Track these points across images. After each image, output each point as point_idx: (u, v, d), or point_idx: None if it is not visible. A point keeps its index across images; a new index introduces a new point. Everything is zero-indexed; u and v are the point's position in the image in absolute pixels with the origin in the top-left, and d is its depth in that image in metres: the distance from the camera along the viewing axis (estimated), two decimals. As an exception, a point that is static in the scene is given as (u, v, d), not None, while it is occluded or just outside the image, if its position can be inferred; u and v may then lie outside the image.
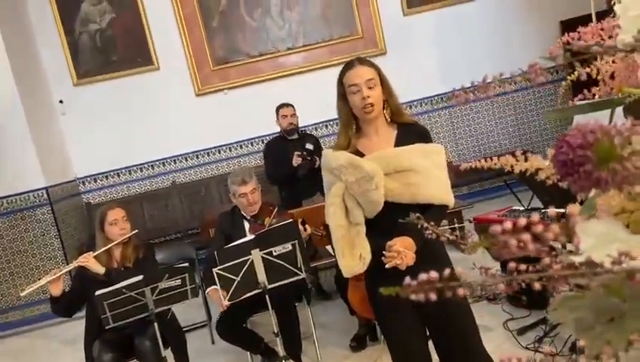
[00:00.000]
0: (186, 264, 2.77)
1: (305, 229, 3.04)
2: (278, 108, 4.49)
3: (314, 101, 5.88)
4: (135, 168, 5.89)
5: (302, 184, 4.22)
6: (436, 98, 6.24)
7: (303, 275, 2.74)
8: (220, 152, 5.99)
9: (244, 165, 5.90)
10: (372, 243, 1.84)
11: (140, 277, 2.59)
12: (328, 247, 3.69)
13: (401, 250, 1.72)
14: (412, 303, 1.80)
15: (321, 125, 6.06)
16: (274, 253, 2.66)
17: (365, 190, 1.80)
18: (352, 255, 1.84)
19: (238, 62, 5.91)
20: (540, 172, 0.60)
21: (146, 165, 5.90)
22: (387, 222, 1.80)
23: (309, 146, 4.28)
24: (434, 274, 0.36)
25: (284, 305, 2.97)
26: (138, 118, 5.80)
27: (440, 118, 6.27)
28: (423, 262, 1.77)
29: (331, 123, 6.03)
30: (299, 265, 2.70)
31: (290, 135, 4.41)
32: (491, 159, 0.63)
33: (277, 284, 2.68)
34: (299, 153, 4.16)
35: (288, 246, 2.67)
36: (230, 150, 6.00)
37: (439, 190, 1.84)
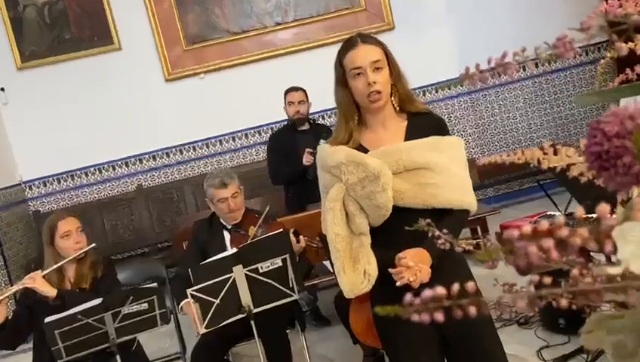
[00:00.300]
0: (155, 284, 2.76)
1: (298, 241, 3.04)
2: (285, 93, 4.49)
3: (308, 85, 5.87)
4: (92, 169, 5.88)
5: (313, 184, 4.21)
6: (455, 82, 6.22)
7: (295, 296, 2.73)
8: (195, 149, 5.99)
9: (223, 165, 5.90)
10: (378, 256, 1.84)
11: (99, 301, 2.58)
12: (326, 263, 3.69)
13: (412, 265, 1.72)
14: (427, 328, 1.84)
15: (316, 115, 6.07)
16: (260, 270, 2.66)
17: (370, 192, 1.80)
18: (355, 271, 1.84)
19: (216, 40, 5.91)
20: (572, 168, 0.60)
21: (105, 165, 5.89)
22: (397, 231, 1.79)
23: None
24: (442, 290, 0.36)
25: (274, 332, 2.97)
26: (96, 109, 5.80)
27: (460, 106, 6.28)
28: (440, 279, 1.76)
29: (329, 113, 6.04)
30: (291, 285, 2.70)
31: (299, 125, 4.39)
32: (514, 153, 0.63)
33: (264, 307, 2.68)
34: (310, 150, 4.11)
35: (278, 262, 2.66)
36: (207, 147, 6.00)
37: (459, 192, 1.84)
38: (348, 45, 1.89)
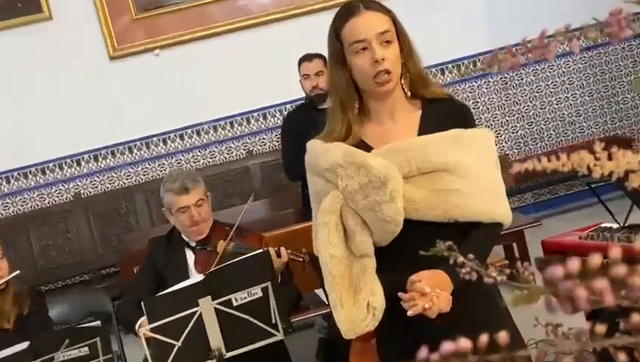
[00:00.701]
0: (98, 323, 2.76)
1: (279, 255, 3.04)
2: (298, 63, 4.57)
3: (293, 65, 5.88)
4: (17, 174, 5.86)
5: None
6: (481, 59, 6.27)
7: (279, 336, 2.73)
8: (148, 147, 5.98)
9: (185, 166, 5.89)
10: (386, 281, 1.84)
11: (25, 345, 2.57)
12: (319, 291, 3.69)
13: (428, 291, 1.71)
14: None
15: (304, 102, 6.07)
16: (234, 303, 2.66)
17: (374, 202, 1.79)
18: (356, 303, 1.84)
19: (174, 6, 5.89)
20: (632, 176, 0.61)
21: (33, 169, 5.87)
22: (409, 250, 1.79)
23: None
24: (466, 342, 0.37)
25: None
26: (19, 96, 5.77)
27: (488, 88, 6.31)
28: (464, 310, 1.78)
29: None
30: (273, 321, 2.69)
31: (319, 103, 4.42)
32: (557, 156, 0.64)
33: (240, 351, 2.67)
34: None
35: (257, 292, 2.67)
36: (165, 143, 5.99)
37: (488, 200, 1.85)
38: (346, 12, 1.89)
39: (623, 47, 6.40)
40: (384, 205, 1.78)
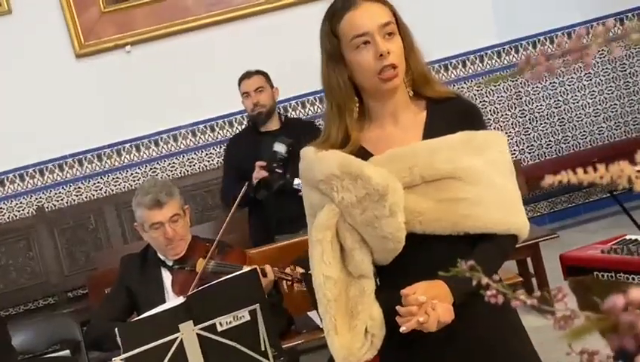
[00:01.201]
0: (67, 352, 2.74)
1: (264, 274, 3.04)
2: (238, 82, 4.64)
3: (281, 61, 5.89)
4: (-28, 186, 5.84)
5: (281, 208, 4.24)
6: (489, 53, 6.31)
7: (270, 365, 2.73)
8: (119, 154, 5.97)
9: (160, 175, 5.88)
10: (384, 299, 1.83)
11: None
12: (312, 314, 3.69)
13: (423, 300, 1.68)
14: None
15: (293, 103, 6.08)
16: (219, 328, 2.65)
17: (373, 218, 1.79)
18: (352, 329, 1.83)
19: (147, -3, 5.90)
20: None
21: (-10, 180, 5.85)
22: (414, 270, 1.80)
23: (280, 148, 4.26)
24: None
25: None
26: (-25, 99, 5.76)
27: (496, 86, 6.33)
28: (469, 325, 1.80)
29: (311, 99, 6.06)
30: (263, 347, 2.69)
31: (262, 124, 4.51)
32: (595, 167, 0.64)
33: (225, 382, 2.67)
34: (262, 163, 4.22)
35: (244, 316, 2.66)
36: (138, 150, 5.98)
37: (503, 209, 1.84)
38: (343, 5, 1.89)
39: (645, 40, 6.43)
40: (383, 220, 1.78)
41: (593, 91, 6.44)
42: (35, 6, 5.75)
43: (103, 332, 3.00)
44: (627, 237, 3.23)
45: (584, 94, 6.43)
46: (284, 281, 3.19)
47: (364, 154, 1.89)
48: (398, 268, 1.84)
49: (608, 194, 4.49)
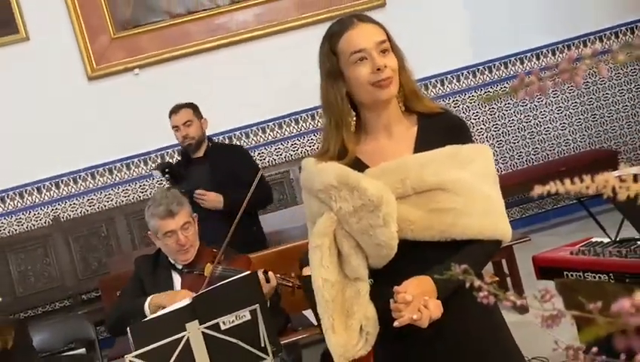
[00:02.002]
0: (83, 350, 2.72)
1: (267, 280, 3.03)
2: (169, 115, 4.58)
3: (275, 82, 5.90)
4: (-7, 198, 5.81)
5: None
6: (465, 73, 6.32)
7: (269, 359, 2.71)
8: (129, 168, 5.95)
9: (167, 187, 5.86)
10: (380, 307, 1.81)
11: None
12: (307, 312, 3.68)
13: (410, 299, 1.67)
14: None
15: (288, 119, 6.08)
16: (222, 327, 2.63)
17: (368, 226, 1.78)
18: (348, 328, 1.82)
19: (153, 25, 5.91)
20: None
21: (10, 193, 5.82)
22: (405, 271, 1.79)
23: (156, 174, 4.38)
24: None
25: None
26: (-4, 118, 5.74)
27: (472, 103, 6.34)
28: (457, 320, 1.79)
29: (303, 116, 6.05)
30: (262, 344, 2.68)
31: (193, 152, 4.49)
32: (581, 179, 0.63)
33: (228, 376, 2.66)
34: (201, 192, 4.26)
35: (245, 315, 2.64)
36: (146, 164, 5.96)
37: (487, 217, 1.83)
38: (342, 27, 1.89)
39: (605, 61, 6.46)
40: (378, 229, 1.77)
41: (560, 107, 6.47)
42: (50, 33, 5.75)
43: (121, 314, 3.02)
44: (594, 239, 3.22)
45: (552, 110, 6.45)
46: (286, 287, 3.18)
47: (359, 165, 1.87)
48: (391, 272, 1.82)
49: (576, 201, 4.48)
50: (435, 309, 1.70)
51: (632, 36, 6.46)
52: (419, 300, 1.68)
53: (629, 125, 6.55)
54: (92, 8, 5.80)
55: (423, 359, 1.86)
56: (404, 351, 1.85)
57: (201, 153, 4.49)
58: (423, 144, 1.88)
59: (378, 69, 1.82)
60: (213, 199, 4.26)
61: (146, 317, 2.95)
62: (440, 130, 1.90)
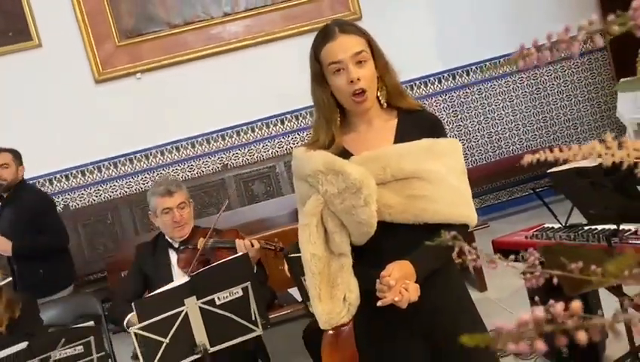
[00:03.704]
0: (92, 323, 2.70)
1: (252, 245, 3.02)
2: None
3: (262, 87, 5.88)
4: (9, 188, 5.73)
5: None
6: (432, 79, 6.34)
7: (259, 331, 2.70)
8: (131, 162, 5.90)
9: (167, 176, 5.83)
10: (362, 280, 1.83)
11: (25, 345, 2.50)
12: (292, 290, 3.66)
13: (393, 284, 1.69)
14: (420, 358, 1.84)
15: (274, 120, 6.06)
16: (217, 302, 2.62)
17: (351, 206, 1.78)
18: (333, 298, 1.83)
19: (154, 34, 5.87)
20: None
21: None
22: (384, 249, 1.81)
23: None
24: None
25: (234, 374, 2.93)
26: (11, 117, 5.67)
27: (438, 106, 6.36)
28: (432, 300, 1.81)
29: (288, 116, 6.03)
30: (253, 317, 2.67)
31: (2, 193, 4.30)
32: (569, 147, 0.62)
33: (223, 346, 2.64)
34: None
35: (238, 291, 2.63)
36: (147, 159, 5.92)
37: (457, 205, 1.84)
38: (324, 36, 1.88)
39: (556, 69, 6.52)
40: (359, 209, 1.78)
41: (514, 110, 6.50)
42: (61, 40, 5.70)
43: (121, 315, 2.99)
44: (546, 225, 3.24)
45: (507, 113, 6.48)
46: (269, 250, 3.14)
47: (345, 154, 1.88)
48: (371, 249, 1.84)
49: (529, 192, 4.51)
50: (413, 292, 1.72)
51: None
52: (400, 283, 1.70)
53: (574, 126, 6.60)
54: (99, 18, 5.76)
55: (401, 329, 1.87)
56: (383, 322, 1.86)
57: (9, 195, 4.29)
58: (401, 136, 1.89)
59: (352, 81, 1.82)
60: (1, 244, 4.11)
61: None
62: (417, 124, 1.91)
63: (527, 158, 0.63)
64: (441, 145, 1.88)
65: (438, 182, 1.82)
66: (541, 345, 0.36)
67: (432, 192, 1.81)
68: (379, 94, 1.90)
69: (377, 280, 1.72)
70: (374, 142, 1.89)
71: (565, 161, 0.74)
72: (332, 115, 1.90)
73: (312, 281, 1.85)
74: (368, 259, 1.83)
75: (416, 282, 1.74)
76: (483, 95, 6.45)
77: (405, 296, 1.70)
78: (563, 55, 0.50)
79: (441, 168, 1.83)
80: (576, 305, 0.36)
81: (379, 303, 1.70)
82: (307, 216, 1.86)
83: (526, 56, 0.47)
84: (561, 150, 0.63)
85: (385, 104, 1.92)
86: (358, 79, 1.82)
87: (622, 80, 4.51)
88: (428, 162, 1.83)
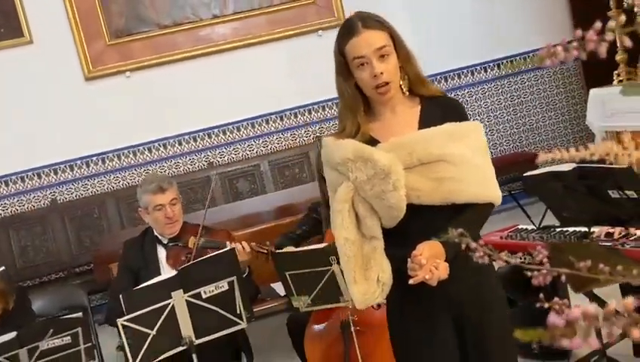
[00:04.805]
0: (80, 314, 2.66)
1: (243, 248, 2.97)
2: None
3: (248, 88, 5.85)
4: (-2, 181, 5.66)
5: None
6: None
7: (243, 324, 2.69)
8: (119, 158, 5.84)
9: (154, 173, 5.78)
10: (394, 261, 1.86)
11: (13, 335, 2.46)
12: (274, 285, 3.65)
13: (424, 263, 1.72)
14: (449, 340, 1.88)
15: (260, 120, 6.03)
16: (203, 295, 2.62)
17: (380, 192, 1.81)
18: (367, 279, 1.86)
19: (144, 34, 5.81)
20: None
21: (13, 177, 5.67)
22: (414, 230, 1.84)
23: None
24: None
25: (218, 366, 2.91)
26: (2, 112, 5.59)
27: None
28: (462, 280, 1.85)
29: (273, 117, 6.00)
30: (238, 311, 2.66)
31: None
32: (585, 147, 0.61)
33: (208, 338, 2.63)
34: None
35: (224, 285, 2.63)
36: (134, 155, 5.86)
37: (482, 185, 1.87)
38: (348, 30, 1.89)
39: (530, 77, 6.57)
40: (389, 193, 1.80)
41: (489, 116, 6.53)
42: (52, 37, 5.62)
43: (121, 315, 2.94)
44: (519, 226, 3.26)
45: (482, 118, 6.50)
46: (261, 253, 3.09)
47: (372, 141, 1.90)
48: (401, 231, 1.87)
49: (508, 194, 4.52)
50: (443, 271, 1.75)
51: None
52: (431, 262, 1.74)
53: (545, 133, 6.65)
54: (90, 17, 5.68)
55: (430, 305, 1.90)
56: (415, 301, 1.89)
57: None
58: (425, 122, 1.92)
59: (375, 75, 1.85)
60: None
61: None
62: (440, 110, 1.93)
63: (543, 157, 0.61)
64: (463, 128, 1.90)
65: (462, 164, 1.84)
66: (594, 341, 0.34)
67: (457, 174, 1.84)
68: (401, 83, 1.93)
69: (409, 260, 1.76)
70: (399, 128, 1.92)
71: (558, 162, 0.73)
72: (357, 105, 1.92)
73: (347, 264, 1.88)
74: (397, 241, 1.87)
75: (445, 261, 1.78)
76: (460, 101, 6.45)
77: (435, 274, 1.73)
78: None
79: (465, 150, 1.86)
80: (629, 301, 0.34)
81: (411, 281, 1.74)
82: (339, 203, 1.88)
83: (552, 55, 0.45)
84: (577, 150, 0.61)
85: (407, 92, 1.94)
86: (381, 73, 1.85)
87: (626, 83, 4.54)
88: (452, 145, 1.85)
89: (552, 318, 0.35)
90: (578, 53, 0.46)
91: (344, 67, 1.91)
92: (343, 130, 1.94)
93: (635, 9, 4.17)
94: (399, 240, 1.84)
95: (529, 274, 0.49)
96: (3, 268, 2.86)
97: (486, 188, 1.87)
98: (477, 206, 1.86)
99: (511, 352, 1.99)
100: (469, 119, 1.99)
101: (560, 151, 0.60)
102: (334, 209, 1.90)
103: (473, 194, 1.84)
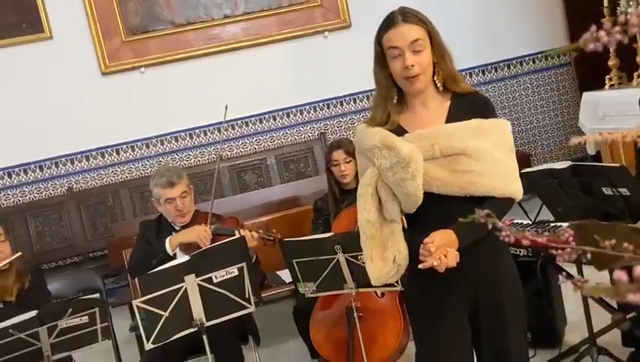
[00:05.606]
0: (97, 295, 2.66)
1: (252, 235, 2.99)
2: None
3: (256, 85, 5.85)
4: (17, 170, 5.65)
5: None
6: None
7: (251, 308, 2.69)
8: (133, 150, 5.84)
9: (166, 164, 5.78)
10: (412, 245, 1.87)
11: (34, 313, 2.46)
12: (280, 272, 3.65)
13: (433, 250, 1.75)
14: (461, 317, 1.91)
15: (267, 116, 6.03)
16: (214, 280, 2.61)
17: (400, 179, 1.83)
18: (384, 259, 1.89)
19: (158, 32, 5.81)
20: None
21: (32, 166, 5.67)
22: (432, 217, 1.85)
23: None
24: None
25: (227, 347, 2.92)
26: (22, 104, 5.58)
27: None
28: (477, 266, 1.89)
29: (281, 113, 6.00)
30: (247, 295, 2.66)
31: None
32: (616, 131, 0.61)
33: (218, 321, 2.63)
34: None
35: (234, 271, 2.62)
36: (148, 147, 5.86)
37: (502, 179, 1.86)
38: (388, 22, 1.90)
39: (524, 80, 6.56)
40: (407, 182, 1.82)
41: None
42: (71, 33, 5.62)
43: (144, 255, 3.02)
44: (515, 221, 3.25)
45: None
46: (268, 241, 3.12)
47: (400, 131, 1.91)
48: (421, 217, 1.89)
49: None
50: (451, 259, 1.78)
51: (545, 62, 6.55)
52: (441, 250, 1.77)
53: (539, 133, 6.65)
54: (107, 15, 5.68)
55: (447, 288, 1.92)
56: (431, 281, 1.90)
57: None
58: (453, 116, 1.92)
59: (407, 67, 1.85)
60: None
61: (167, 254, 2.96)
62: (469, 106, 1.93)
63: (574, 140, 0.61)
64: (488, 125, 1.90)
65: (484, 158, 1.85)
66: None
67: (477, 167, 1.84)
68: (435, 78, 1.93)
69: (421, 246, 1.79)
70: (427, 121, 1.92)
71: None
72: (389, 94, 1.93)
73: (366, 243, 1.92)
74: (417, 226, 1.90)
75: (457, 250, 1.80)
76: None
77: (444, 262, 1.76)
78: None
79: (487, 146, 1.86)
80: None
81: (420, 266, 1.78)
82: (363, 186, 1.91)
83: (596, 40, 0.45)
84: (610, 133, 0.61)
85: (441, 87, 1.94)
86: (413, 65, 1.85)
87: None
88: (475, 140, 1.85)
89: (619, 274, 0.35)
90: (621, 37, 0.46)
91: (381, 56, 1.91)
92: (374, 118, 1.95)
93: (628, 16, 4.16)
94: (419, 226, 1.87)
95: (554, 252, 0.49)
96: (19, 253, 2.86)
97: (505, 182, 1.87)
98: (496, 199, 1.85)
99: (523, 333, 2.02)
100: (497, 117, 1.98)
101: (594, 135, 0.60)
102: (359, 192, 1.92)
103: (491, 187, 1.84)
